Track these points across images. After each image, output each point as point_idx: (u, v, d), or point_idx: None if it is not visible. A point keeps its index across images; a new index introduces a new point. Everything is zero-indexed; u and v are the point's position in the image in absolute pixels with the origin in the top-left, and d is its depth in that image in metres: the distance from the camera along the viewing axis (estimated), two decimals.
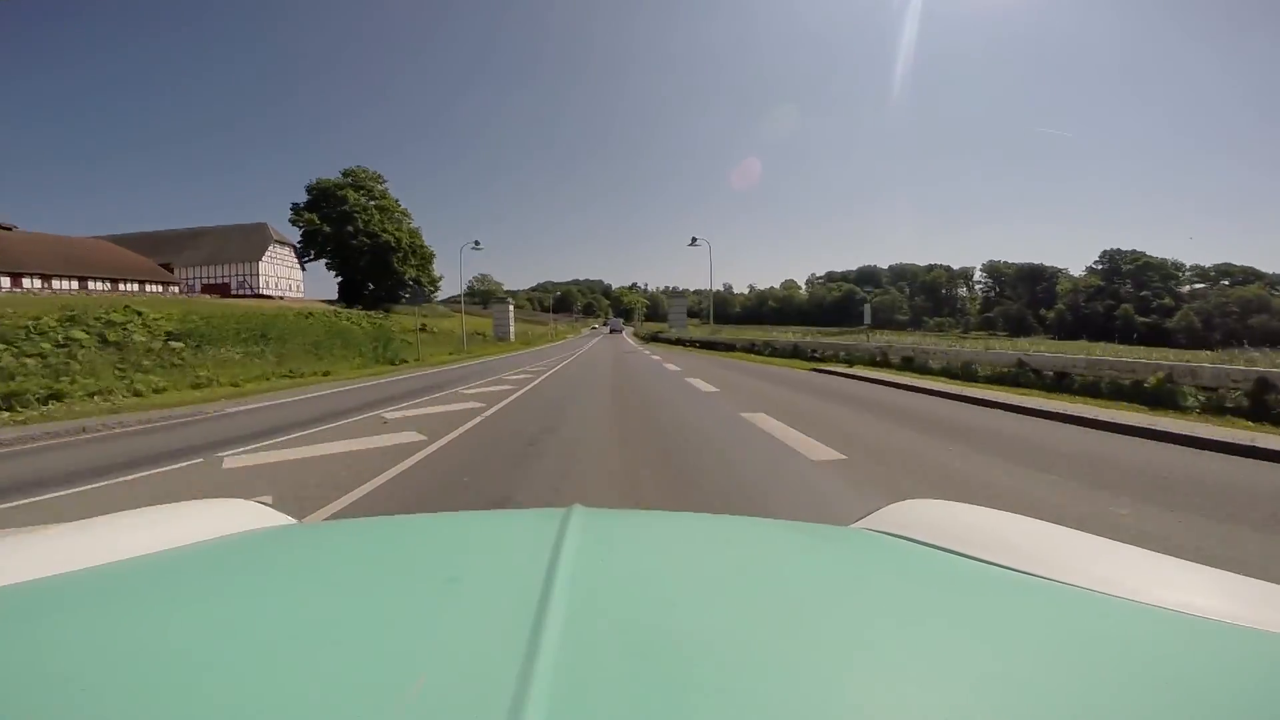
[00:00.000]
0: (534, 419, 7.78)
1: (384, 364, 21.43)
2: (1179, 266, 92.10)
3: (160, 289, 49.65)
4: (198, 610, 0.55)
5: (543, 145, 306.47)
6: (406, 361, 22.06)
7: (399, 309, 49.85)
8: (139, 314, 19.10)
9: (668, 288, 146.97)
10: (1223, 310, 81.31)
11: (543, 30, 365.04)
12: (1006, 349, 14.11)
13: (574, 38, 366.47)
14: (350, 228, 50.50)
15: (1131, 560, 0.74)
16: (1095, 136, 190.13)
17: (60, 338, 16.16)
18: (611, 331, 76.18)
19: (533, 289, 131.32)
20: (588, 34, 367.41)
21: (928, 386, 11.24)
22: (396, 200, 54.93)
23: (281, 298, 49.79)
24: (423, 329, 34.59)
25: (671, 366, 17.27)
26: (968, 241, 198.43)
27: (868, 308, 17.91)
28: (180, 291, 50.62)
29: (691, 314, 49.69)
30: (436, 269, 47.90)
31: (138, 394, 13.44)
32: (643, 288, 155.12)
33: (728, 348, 27.17)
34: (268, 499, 1.36)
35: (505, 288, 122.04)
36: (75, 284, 44.13)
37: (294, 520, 1.02)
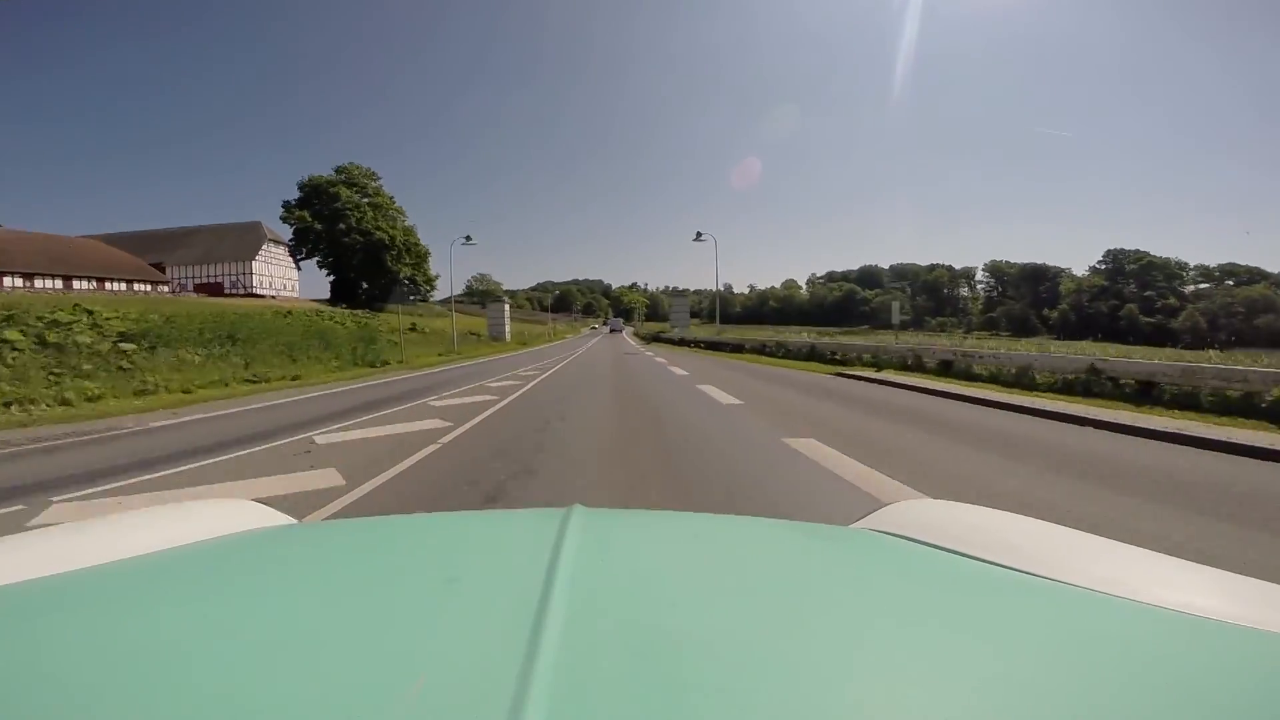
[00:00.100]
0: (511, 447, 5.79)
1: (363, 366, 19.47)
2: (1183, 266, 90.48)
3: (149, 288, 47.83)
4: (198, 610, 0.54)
5: (542, 145, 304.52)
6: (389, 364, 20.10)
7: (393, 308, 47.98)
8: (89, 313, 17.12)
9: (668, 287, 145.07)
10: (1228, 310, 79.73)
11: (542, 29, 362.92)
12: (1067, 351, 12.16)
13: (574, 37, 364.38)
14: (342, 225, 48.57)
15: (1132, 560, 0.73)
16: (1096, 136, 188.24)
17: None
18: (611, 331, 74.28)
19: (532, 288, 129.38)
20: (587, 33, 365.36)
21: (991, 398, 9.24)
22: (391, 197, 53.03)
23: (274, 297, 48.02)
24: (412, 329, 32.62)
25: (678, 370, 15.42)
26: (969, 241, 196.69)
27: (896, 305, 15.78)
28: (170, 291, 48.89)
29: (692, 314, 47.47)
30: (434, 268, 45.89)
31: (65, 403, 11.48)
32: (643, 287, 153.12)
33: (735, 349, 25.16)
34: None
35: (504, 287, 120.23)
36: (59, 283, 42.43)
37: (294, 520, 0.99)
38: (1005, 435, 6.47)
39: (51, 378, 12.98)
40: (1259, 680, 0.45)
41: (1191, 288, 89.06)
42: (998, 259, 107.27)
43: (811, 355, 18.36)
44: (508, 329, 42.81)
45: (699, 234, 29.25)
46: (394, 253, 50.63)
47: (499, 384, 12.41)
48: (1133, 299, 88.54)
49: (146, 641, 0.47)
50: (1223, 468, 4.90)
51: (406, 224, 52.37)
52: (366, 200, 50.79)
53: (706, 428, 6.85)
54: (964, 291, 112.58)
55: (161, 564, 0.69)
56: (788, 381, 12.67)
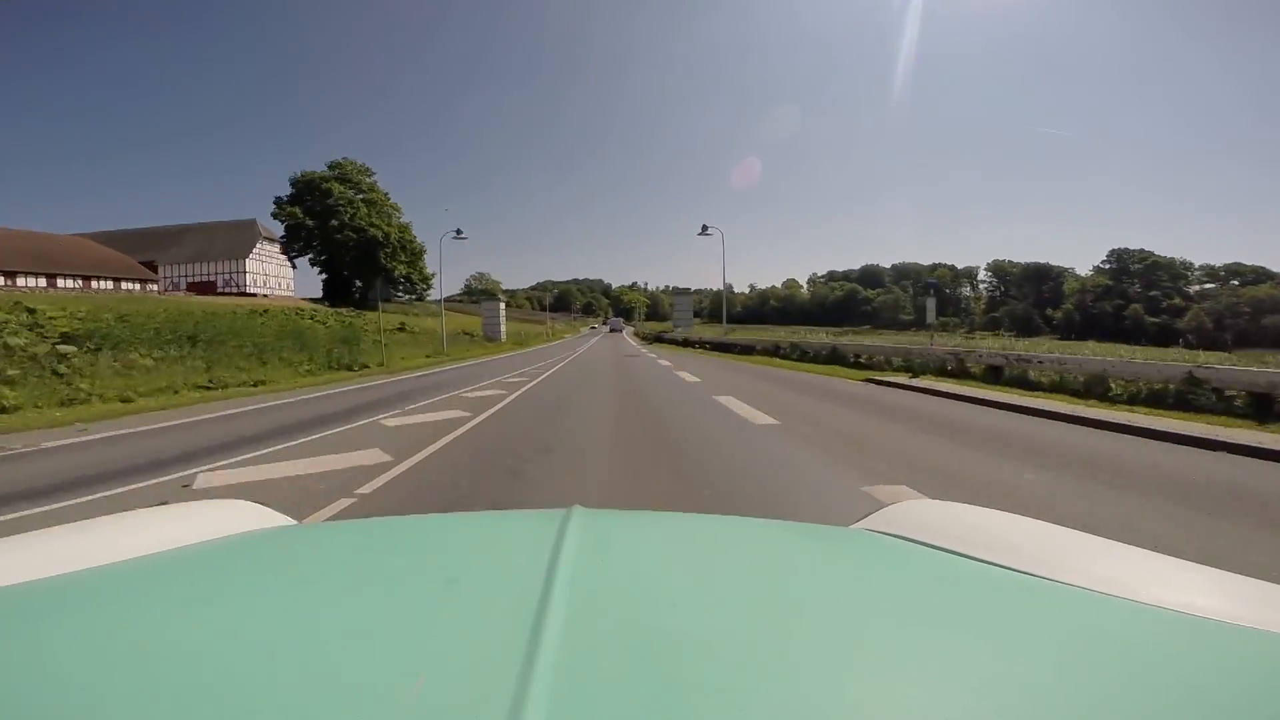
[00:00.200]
0: (462, 504, 3.99)
1: (339, 370, 17.65)
2: (1187, 266, 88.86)
3: (137, 287, 46.21)
4: (198, 611, 0.54)
5: (542, 144, 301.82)
6: (368, 367, 18.28)
7: (387, 307, 46.19)
8: (30, 311, 15.30)
9: (667, 287, 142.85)
10: (1234, 311, 78.20)
11: (542, 28, 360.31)
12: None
13: (574, 36, 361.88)
14: (335, 222, 46.75)
15: (1132, 560, 0.73)
16: (1097, 136, 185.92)
17: None
18: (611, 331, 72.14)
19: (532, 288, 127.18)
20: (588, 32, 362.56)
21: (1081, 414, 7.41)
22: (386, 194, 51.22)
23: (266, 296, 46.36)
24: (401, 329, 30.80)
25: (687, 376, 13.50)
26: (970, 241, 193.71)
27: (931, 302, 13.67)
28: (160, 290, 47.29)
29: (694, 314, 45.57)
30: (430, 267, 44.04)
31: None
32: (643, 286, 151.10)
33: (745, 350, 23.04)
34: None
35: (504, 286, 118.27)
36: (43, 281, 40.82)
37: (294, 520, 0.98)
38: (1152, 470, 4.67)
39: None
40: (1259, 680, 0.44)
41: (1196, 288, 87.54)
42: (1000, 258, 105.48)
43: (834, 358, 16.42)
44: (503, 329, 40.87)
45: (705, 227, 27.26)
46: (388, 250, 48.85)
47: (478, 394, 10.54)
48: (1137, 299, 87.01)
49: (147, 642, 0.47)
50: None
51: (402, 221, 50.67)
52: (361, 196, 48.99)
53: (749, 468, 4.90)
54: (966, 291, 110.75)
55: (161, 564, 0.68)
56: (820, 391, 10.79)
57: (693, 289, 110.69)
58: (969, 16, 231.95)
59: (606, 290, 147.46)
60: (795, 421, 7.20)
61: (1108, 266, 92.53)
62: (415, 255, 51.02)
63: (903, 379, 11.93)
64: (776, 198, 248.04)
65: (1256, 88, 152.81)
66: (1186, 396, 8.02)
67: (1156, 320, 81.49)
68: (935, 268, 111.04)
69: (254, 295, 45.41)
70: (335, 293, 49.27)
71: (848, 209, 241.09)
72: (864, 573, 0.70)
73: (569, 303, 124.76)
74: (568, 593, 0.48)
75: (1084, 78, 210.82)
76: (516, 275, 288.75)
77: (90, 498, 4.32)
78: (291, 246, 48.88)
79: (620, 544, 0.73)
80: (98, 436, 7.15)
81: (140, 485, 4.66)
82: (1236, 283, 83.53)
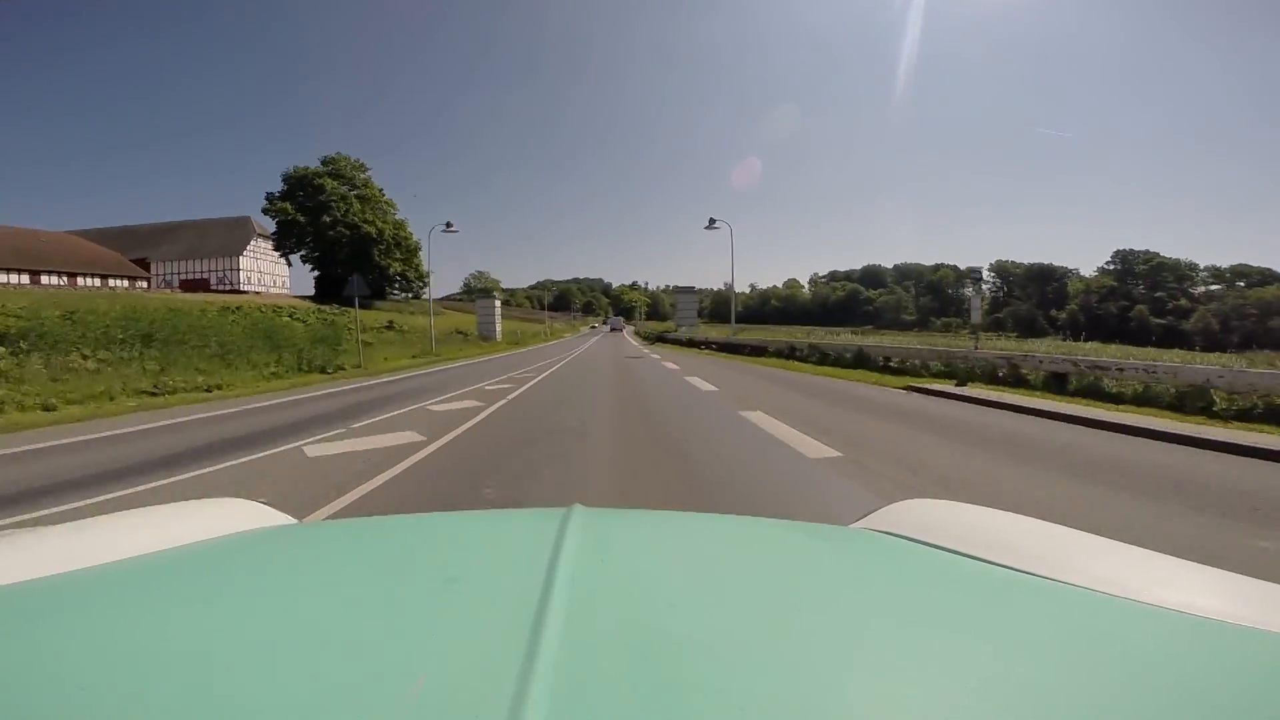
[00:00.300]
0: None
1: (312, 371, 15.89)
2: (1193, 267, 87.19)
3: (126, 284, 44.58)
4: (198, 610, 0.54)
5: (542, 144, 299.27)
6: (343, 369, 16.51)
7: (381, 305, 44.53)
8: None
9: (667, 286, 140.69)
10: (1241, 312, 76.61)
11: (542, 28, 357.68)
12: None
13: (574, 35, 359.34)
14: (327, 218, 45.00)
15: (1132, 560, 0.72)
16: (1100, 136, 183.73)
17: None
18: (612, 330, 70.30)
19: (532, 287, 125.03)
20: (588, 32, 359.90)
21: (1205, 435, 5.66)
22: (380, 189, 49.48)
23: (258, 293, 44.69)
24: (389, 327, 29.08)
25: (700, 383, 11.64)
26: (971, 241, 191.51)
27: (977, 299, 11.70)
28: (149, 287, 45.65)
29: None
30: (431, 266, 42.30)
31: None
32: (643, 286, 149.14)
33: (756, 351, 21.01)
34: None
35: (503, 285, 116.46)
36: (25, 278, 39.17)
37: (294, 520, 0.97)
38: None
39: None
40: (1259, 680, 0.44)
41: (1201, 289, 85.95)
42: (1002, 259, 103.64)
43: (860, 362, 14.46)
44: (498, 328, 39.00)
45: (712, 220, 25.34)
46: (382, 247, 47.14)
47: (447, 406, 8.73)
48: (1142, 300, 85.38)
49: (147, 642, 0.47)
50: None
51: (397, 217, 48.98)
52: (354, 192, 47.25)
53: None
54: (968, 292, 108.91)
55: (161, 564, 0.68)
56: (863, 404, 8.96)
57: (694, 288, 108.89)
58: (970, 16, 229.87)
59: (606, 290, 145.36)
60: (862, 453, 5.33)
61: (1112, 267, 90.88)
62: (410, 252, 49.32)
63: (948, 387, 10.17)
64: (777, 197, 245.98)
65: (1259, 88, 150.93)
66: None
67: (1162, 322, 79.97)
68: (938, 268, 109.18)
69: (244, 293, 43.80)
70: (328, 290, 47.50)
71: (849, 209, 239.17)
72: (864, 572, 0.69)
73: (569, 302, 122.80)
74: (567, 592, 0.48)
75: (1085, 77, 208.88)
76: (517, 275, 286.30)
77: None
78: (284, 243, 47.13)
79: (620, 544, 0.72)
80: None
81: None
82: (1243, 284, 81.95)
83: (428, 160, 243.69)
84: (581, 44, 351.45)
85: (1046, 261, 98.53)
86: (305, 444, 6.08)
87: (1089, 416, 7.12)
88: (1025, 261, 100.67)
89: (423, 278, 53.15)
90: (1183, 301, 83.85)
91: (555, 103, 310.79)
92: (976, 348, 11.95)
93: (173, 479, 4.81)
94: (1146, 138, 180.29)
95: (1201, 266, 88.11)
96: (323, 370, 16.11)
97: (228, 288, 47.51)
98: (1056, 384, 9.65)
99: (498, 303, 40.49)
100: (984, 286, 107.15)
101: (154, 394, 12.03)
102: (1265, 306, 76.16)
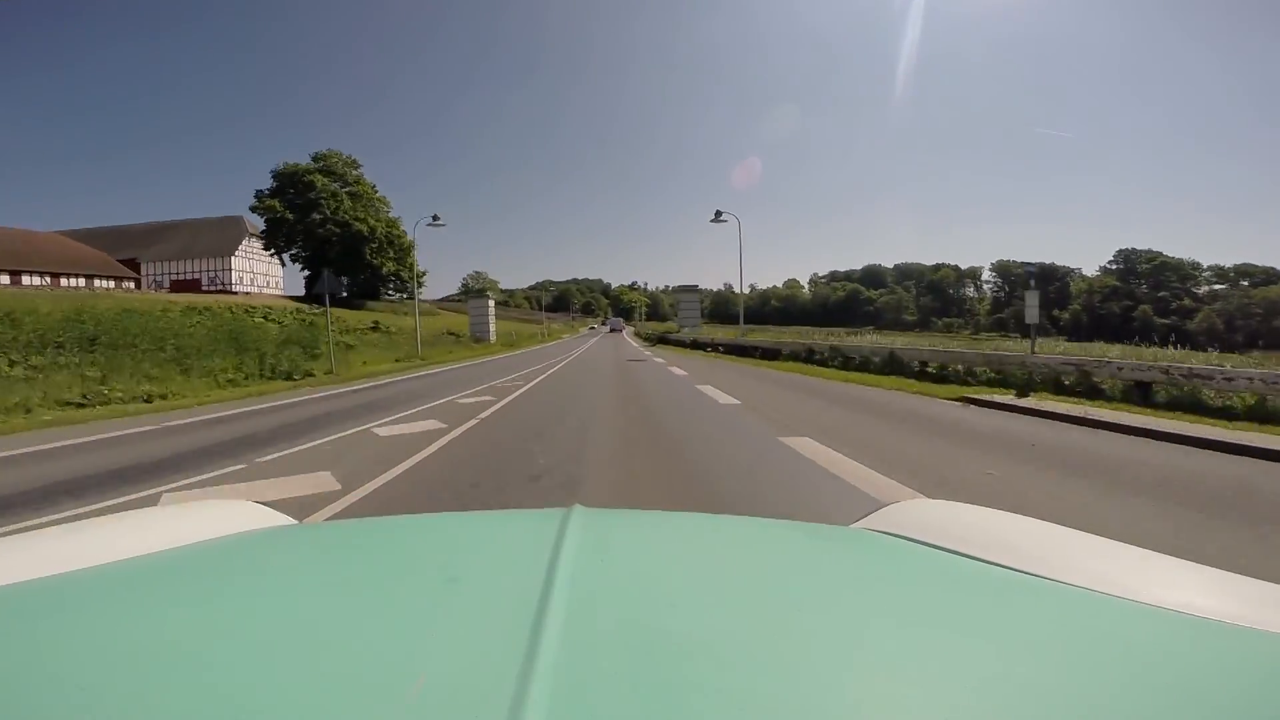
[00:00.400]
0: None
1: (277, 378, 14.13)
2: (1196, 266, 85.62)
3: (112, 284, 42.88)
4: (198, 610, 0.53)
5: (542, 144, 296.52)
6: (312, 375, 14.75)
7: (373, 305, 42.77)
8: None
9: (667, 287, 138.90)
10: (1245, 312, 75.21)
11: (542, 28, 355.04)
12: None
13: (573, 35, 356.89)
14: (316, 215, 43.20)
15: (1132, 560, 0.71)
16: (1102, 136, 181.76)
17: None
18: (611, 330, 68.20)
19: (531, 287, 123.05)
20: (587, 32, 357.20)
21: None
22: (373, 186, 47.69)
23: (248, 294, 42.99)
24: (375, 327, 27.31)
25: (716, 393, 9.64)
26: (972, 241, 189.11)
27: (1033, 297, 9.97)
28: (136, 287, 43.95)
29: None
30: (424, 263, 40.57)
31: None
32: (643, 286, 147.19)
33: (769, 354, 18.93)
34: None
35: (502, 286, 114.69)
36: (5, 279, 37.49)
37: (294, 520, 0.96)
38: None
39: None
40: (1259, 680, 0.44)
41: (1205, 288, 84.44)
42: (1004, 259, 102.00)
43: (892, 367, 12.42)
44: (492, 328, 37.11)
45: (718, 213, 23.37)
46: (374, 245, 45.39)
47: (400, 430, 6.88)
48: (1146, 300, 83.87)
49: (147, 642, 0.46)
50: None
51: (390, 215, 47.27)
52: (346, 189, 45.47)
53: None
54: (970, 292, 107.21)
55: (161, 564, 0.67)
56: (924, 422, 7.10)
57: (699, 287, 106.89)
58: (970, 16, 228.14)
59: (606, 290, 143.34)
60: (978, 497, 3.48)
61: (1115, 267, 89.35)
62: (404, 251, 47.58)
63: (1008, 397, 8.43)
64: (777, 197, 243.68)
65: (1260, 87, 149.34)
66: None
67: (1166, 321, 78.47)
68: (939, 268, 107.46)
69: (234, 293, 42.13)
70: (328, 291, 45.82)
71: (849, 209, 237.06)
72: (864, 572, 0.69)
73: (568, 302, 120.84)
74: (568, 592, 0.47)
75: (1086, 77, 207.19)
76: (516, 275, 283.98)
77: None
78: (273, 242, 45.34)
79: (620, 544, 0.71)
80: None
81: None
82: (1246, 283, 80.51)
83: (427, 160, 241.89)
84: (581, 43, 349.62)
85: (1048, 261, 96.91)
86: (172, 488, 4.34)
87: (1238, 442, 5.34)
88: (1029, 261, 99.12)
89: (418, 277, 51.49)
90: (1186, 301, 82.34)
91: (555, 102, 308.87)
92: (1034, 351, 10.18)
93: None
94: (1147, 137, 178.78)
95: (1205, 266, 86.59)
96: (288, 377, 14.34)
97: (219, 288, 45.91)
98: (1140, 394, 7.93)
99: (491, 303, 38.61)
100: (986, 288, 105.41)
101: (82, 405, 10.32)
102: (1270, 306, 74.75)
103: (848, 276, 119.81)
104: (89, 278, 43.45)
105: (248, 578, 0.64)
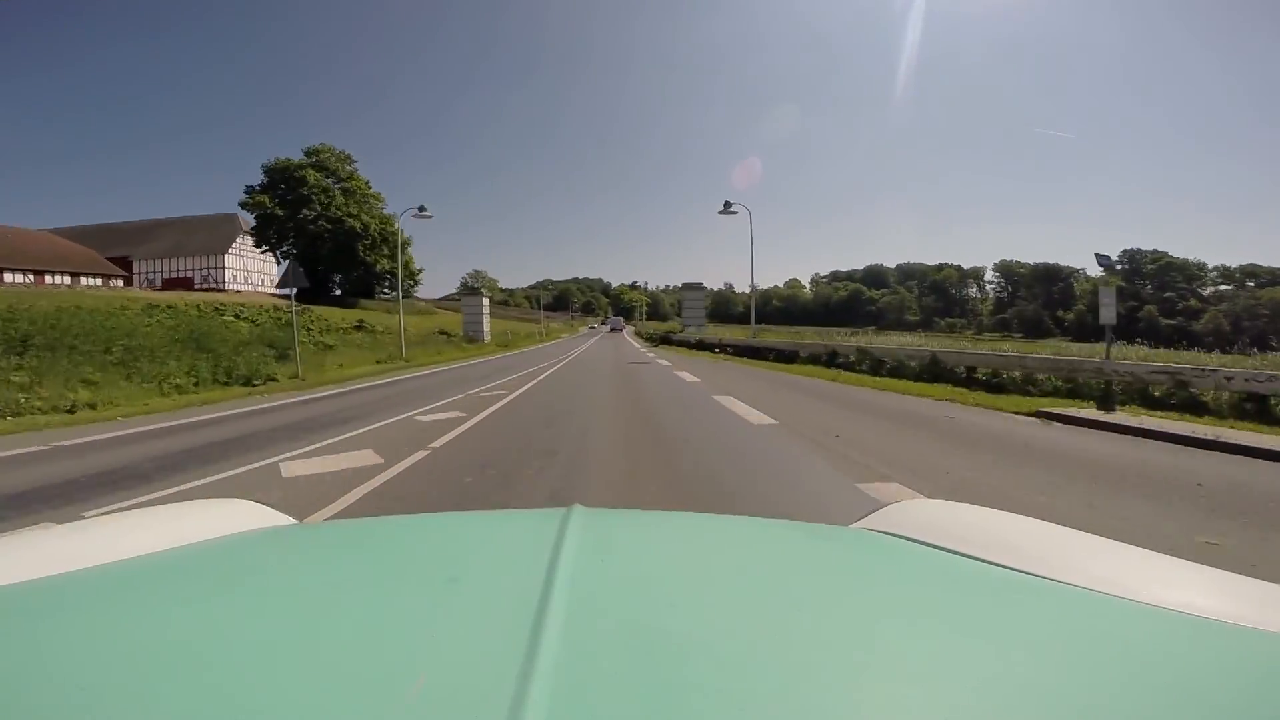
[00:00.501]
0: None
1: (236, 382, 12.47)
2: (1202, 267, 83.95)
3: (99, 282, 41.27)
4: (198, 610, 0.53)
5: (542, 143, 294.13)
6: (275, 379, 13.07)
7: (367, 304, 41.12)
8: None
9: (667, 286, 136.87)
10: (1252, 312, 73.68)
11: (542, 27, 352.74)
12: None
13: (574, 34, 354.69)
14: (307, 211, 41.51)
15: (1132, 560, 0.70)
16: (1104, 136, 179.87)
17: None
18: (612, 330, 66.36)
19: (531, 287, 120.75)
20: (588, 31, 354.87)
21: None
22: (367, 182, 45.99)
23: (238, 292, 41.39)
24: (359, 326, 25.64)
25: (743, 409, 7.66)
26: (974, 241, 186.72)
27: (1109, 291, 8.35)
28: (124, 285, 42.36)
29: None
30: (428, 265, 38.91)
31: None
32: (643, 286, 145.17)
33: (784, 357, 17.03)
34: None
35: (502, 285, 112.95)
36: None
37: (294, 520, 0.94)
38: None
39: None
40: (1259, 680, 0.43)
41: (1211, 289, 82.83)
42: (1006, 259, 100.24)
43: (934, 372, 10.66)
44: (486, 328, 35.35)
45: (727, 204, 21.51)
46: (367, 242, 43.71)
47: (320, 467, 5.15)
48: (1151, 300, 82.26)
49: (147, 642, 0.46)
50: None
51: (385, 212, 45.64)
52: (339, 185, 43.78)
53: None
54: (972, 292, 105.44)
55: (161, 564, 0.67)
56: (1017, 449, 5.42)
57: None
58: (971, 16, 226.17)
59: (606, 289, 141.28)
60: None
61: (1120, 267, 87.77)
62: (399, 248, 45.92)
63: (1091, 411, 6.79)
64: (778, 197, 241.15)
65: (1260, 87, 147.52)
66: None
67: (1172, 322, 76.96)
68: (941, 268, 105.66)
69: (224, 290, 40.54)
70: (310, 288, 44.16)
71: (850, 209, 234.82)
72: (864, 573, 0.68)
73: (568, 301, 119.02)
74: (568, 592, 0.47)
75: (1087, 77, 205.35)
76: (516, 275, 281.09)
77: None
78: (263, 238, 43.67)
79: (620, 544, 0.71)
80: None
81: None
82: (1252, 284, 78.93)
83: (427, 159, 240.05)
84: (581, 42, 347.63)
85: (1052, 261, 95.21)
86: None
87: None
88: (1030, 261, 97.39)
89: (414, 275, 49.80)
90: (1192, 302, 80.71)
91: (555, 101, 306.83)
92: (1108, 356, 8.50)
93: None
94: (1148, 136, 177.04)
95: (1210, 266, 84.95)
96: (247, 382, 12.67)
97: (212, 286, 44.36)
98: (1256, 409, 6.34)
99: (486, 301, 36.79)
100: (989, 288, 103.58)
101: None
102: (1277, 306, 73.20)
103: (849, 276, 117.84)
104: (75, 275, 41.84)
105: (248, 577, 0.63)
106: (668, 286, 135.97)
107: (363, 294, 44.99)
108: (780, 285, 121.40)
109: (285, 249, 44.34)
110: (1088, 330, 79.52)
